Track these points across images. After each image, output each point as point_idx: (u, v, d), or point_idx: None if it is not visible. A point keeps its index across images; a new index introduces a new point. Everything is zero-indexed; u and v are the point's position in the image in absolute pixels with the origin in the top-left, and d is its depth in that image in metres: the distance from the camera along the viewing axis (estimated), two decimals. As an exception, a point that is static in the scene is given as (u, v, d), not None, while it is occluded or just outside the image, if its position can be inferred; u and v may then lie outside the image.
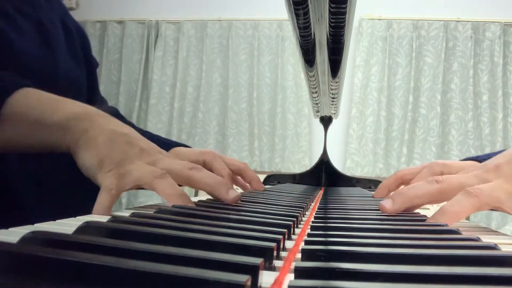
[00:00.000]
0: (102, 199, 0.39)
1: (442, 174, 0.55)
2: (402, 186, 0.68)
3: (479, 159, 0.64)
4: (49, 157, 0.47)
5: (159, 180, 0.40)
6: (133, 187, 0.41)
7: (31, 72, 0.55)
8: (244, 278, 0.15)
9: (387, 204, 0.40)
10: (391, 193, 0.55)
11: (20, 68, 0.53)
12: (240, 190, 0.69)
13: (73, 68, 0.65)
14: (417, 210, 0.50)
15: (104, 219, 0.29)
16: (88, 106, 0.47)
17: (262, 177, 1.10)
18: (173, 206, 0.37)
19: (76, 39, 0.68)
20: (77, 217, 0.32)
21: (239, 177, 0.69)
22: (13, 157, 0.52)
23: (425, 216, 0.43)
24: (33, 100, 0.45)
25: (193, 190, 2.37)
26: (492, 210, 0.40)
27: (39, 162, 0.55)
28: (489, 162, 0.43)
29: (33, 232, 0.20)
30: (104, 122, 0.45)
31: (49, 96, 0.46)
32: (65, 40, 0.65)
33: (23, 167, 0.53)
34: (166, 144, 0.71)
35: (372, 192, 0.74)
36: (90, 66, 0.71)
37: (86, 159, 0.42)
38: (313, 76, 0.70)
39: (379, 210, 0.46)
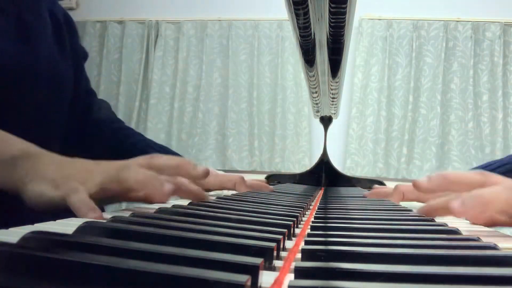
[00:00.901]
0: (74, 198, 0.35)
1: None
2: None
3: (487, 169, 0.63)
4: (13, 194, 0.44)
5: (126, 170, 0.38)
6: (100, 190, 0.38)
7: (7, 69, 0.54)
8: (244, 278, 0.15)
9: (423, 181, 0.38)
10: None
11: None
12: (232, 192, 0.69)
13: (57, 61, 0.64)
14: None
15: (103, 219, 0.29)
16: (32, 145, 0.44)
17: (262, 177, 1.10)
18: (173, 206, 0.37)
19: (64, 30, 0.67)
20: (77, 217, 0.32)
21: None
22: None
23: (423, 215, 0.43)
24: None
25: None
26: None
27: None
28: None
29: (33, 232, 0.20)
30: (51, 157, 0.43)
31: None
32: (52, 32, 0.64)
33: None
34: (156, 152, 0.69)
35: (372, 192, 0.74)
36: (77, 57, 0.70)
37: (37, 187, 0.38)
38: (313, 76, 0.70)
39: (378, 210, 0.46)
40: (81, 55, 0.72)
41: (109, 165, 0.41)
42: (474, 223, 0.42)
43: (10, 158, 0.41)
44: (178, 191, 0.43)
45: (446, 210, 0.38)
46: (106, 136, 0.72)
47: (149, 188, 0.38)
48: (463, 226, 0.43)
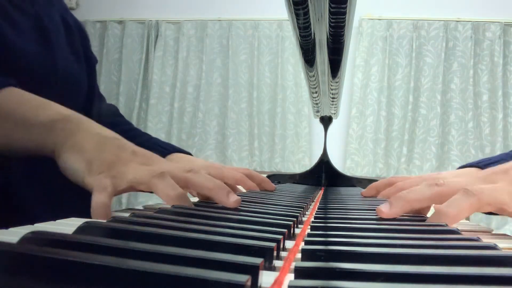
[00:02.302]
0: (97, 198, 0.36)
1: None
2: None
3: (480, 164, 0.63)
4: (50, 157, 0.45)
5: (157, 179, 0.38)
6: (128, 188, 0.38)
7: (29, 70, 0.54)
8: (244, 278, 0.15)
9: (385, 208, 0.36)
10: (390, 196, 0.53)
11: (17, 66, 0.52)
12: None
13: (73, 64, 0.64)
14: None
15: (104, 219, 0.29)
16: (72, 111, 0.44)
17: (262, 177, 1.09)
18: (173, 206, 0.37)
19: (76, 36, 0.67)
20: (77, 217, 0.32)
21: (247, 179, 0.67)
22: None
23: (423, 215, 0.43)
24: (16, 100, 0.43)
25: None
26: (492, 213, 0.38)
27: (39, 162, 0.54)
28: (496, 167, 0.40)
29: (33, 232, 0.20)
30: (91, 126, 0.43)
31: (33, 97, 0.44)
32: (65, 36, 0.64)
33: (23, 167, 0.53)
34: (164, 149, 0.69)
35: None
36: (89, 62, 0.70)
37: (73, 162, 0.39)
38: (313, 76, 0.70)
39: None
40: (93, 61, 0.73)
41: (145, 164, 0.41)
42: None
43: (49, 121, 0.41)
44: None
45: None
46: None
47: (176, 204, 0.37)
48: (461, 225, 0.43)
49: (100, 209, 0.35)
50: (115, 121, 0.77)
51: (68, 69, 0.62)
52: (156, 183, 0.38)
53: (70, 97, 0.63)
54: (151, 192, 0.40)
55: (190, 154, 0.72)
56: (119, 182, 0.38)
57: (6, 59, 0.51)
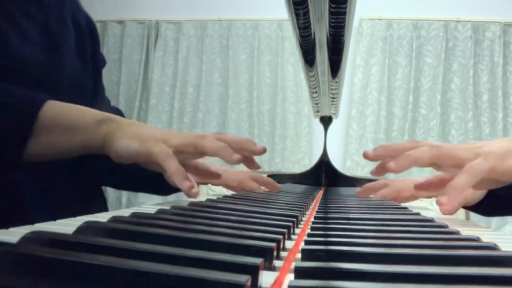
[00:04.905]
0: (172, 166, 0.44)
1: None
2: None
3: None
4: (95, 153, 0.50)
5: (202, 139, 0.47)
6: (174, 151, 0.46)
7: (35, 77, 0.54)
8: (244, 278, 0.15)
9: (370, 151, 0.47)
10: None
11: (22, 74, 0.52)
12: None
13: (79, 70, 0.63)
14: (410, 207, 0.50)
15: (104, 219, 0.29)
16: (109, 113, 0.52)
17: (262, 177, 1.09)
18: (172, 206, 0.37)
19: (86, 38, 0.66)
20: (77, 217, 0.32)
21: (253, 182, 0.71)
22: None
23: (419, 213, 0.43)
24: (59, 110, 0.49)
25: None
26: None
27: (39, 163, 0.54)
28: None
29: (33, 232, 0.20)
30: (129, 120, 0.52)
31: (72, 105, 0.50)
32: (75, 39, 0.63)
33: (23, 167, 0.53)
34: None
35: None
36: (97, 65, 0.69)
37: (125, 142, 0.47)
38: (313, 76, 0.70)
39: (378, 210, 0.46)
40: (101, 63, 0.72)
41: (184, 132, 0.50)
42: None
43: (95, 122, 0.49)
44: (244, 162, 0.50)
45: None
46: None
47: (220, 155, 0.46)
48: (462, 224, 0.43)
49: (179, 174, 0.44)
50: None
51: (74, 76, 0.61)
52: (203, 142, 0.47)
53: (74, 101, 0.62)
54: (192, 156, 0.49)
55: None
56: (168, 145, 0.46)
57: (12, 67, 0.51)
